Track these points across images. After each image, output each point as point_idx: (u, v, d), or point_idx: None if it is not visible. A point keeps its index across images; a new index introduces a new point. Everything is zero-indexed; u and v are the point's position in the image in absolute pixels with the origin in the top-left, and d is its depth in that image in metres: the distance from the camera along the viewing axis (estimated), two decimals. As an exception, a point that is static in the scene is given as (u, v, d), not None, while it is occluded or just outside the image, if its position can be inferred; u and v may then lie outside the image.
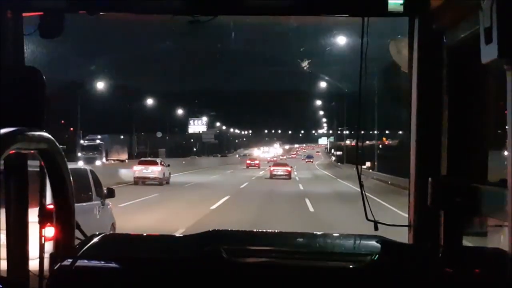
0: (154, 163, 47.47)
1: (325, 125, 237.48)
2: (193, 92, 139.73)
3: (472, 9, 2.74)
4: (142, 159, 51.91)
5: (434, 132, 3.45)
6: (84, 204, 12.97)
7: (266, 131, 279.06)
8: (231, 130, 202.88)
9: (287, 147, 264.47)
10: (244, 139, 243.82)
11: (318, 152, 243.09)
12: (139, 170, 45.94)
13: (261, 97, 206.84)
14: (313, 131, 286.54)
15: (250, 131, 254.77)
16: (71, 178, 2.76)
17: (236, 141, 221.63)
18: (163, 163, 48.80)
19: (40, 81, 2.83)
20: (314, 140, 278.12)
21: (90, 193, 13.68)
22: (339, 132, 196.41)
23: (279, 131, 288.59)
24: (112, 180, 38.36)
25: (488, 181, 3.14)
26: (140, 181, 45.16)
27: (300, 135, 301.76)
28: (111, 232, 13.91)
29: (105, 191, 14.49)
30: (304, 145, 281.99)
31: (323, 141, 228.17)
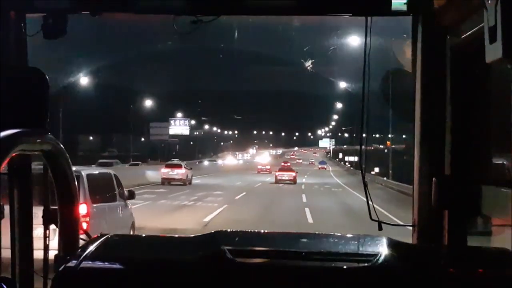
0: (179, 166, 58.76)
1: (324, 127, 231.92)
2: (178, 92, 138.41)
3: (476, 8, 2.93)
4: (168, 162, 63.18)
5: (438, 132, 3.63)
6: (109, 204, 15.44)
7: (255, 132, 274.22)
8: (213, 129, 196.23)
9: (280, 151, 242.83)
10: (231, 141, 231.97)
11: (315, 153, 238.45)
12: (166, 172, 56.63)
13: (252, 97, 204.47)
14: (309, 134, 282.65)
15: (236, 132, 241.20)
16: (75, 180, 2.93)
17: (222, 143, 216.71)
18: (186, 166, 60.37)
19: (43, 82, 2.94)
20: (310, 143, 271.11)
21: (114, 194, 16.05)
22: (339, 134, 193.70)
23: (271, 133, 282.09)
24: (141, 181, 52.17)
25: (492, 181, 3.32)
26: (166, 182, 54.97)
27: (295, 137, 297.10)
28: (132, 229, 17.04)
29: (126, 193, 17.02)
30: (297, 148, 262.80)
31: (324, 143, 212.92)
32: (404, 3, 3.70)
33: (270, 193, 47.71)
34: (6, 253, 3.26)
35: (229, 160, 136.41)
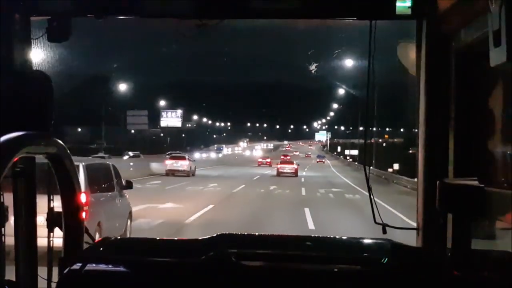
0: (183, 158, 61.18)
1: (321, 119, 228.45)
2: (173, 84, 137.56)
3: (480, 12, 2.98)
4: (173, 154, 65.96)
5: (442, 135, 3.69)
6: (107, 193, 16.54)
7: (249, 124, 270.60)
8: (207, 122, 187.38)
9: (271, 145, 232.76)
10: (224, 134, 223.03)
11: (311, 146, 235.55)
12: (170, 164, 58.69)
13: (247, 90, 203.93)
14: (304, 126, 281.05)
15: (229, 124, 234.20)
16: (80, 182, 3.02)
17: (214, 136, 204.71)
18: (190, 158, 63.24)
19: (47, 84, 3.06)
20: (305, 136, 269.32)
21: (112, 184, 17.11)
22: (336, 127, 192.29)
23: (265, 125, 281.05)
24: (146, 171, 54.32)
25: (496, 184, 3.38)
26: (171, 173, 56.85)
27: (290, 130, 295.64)
28: (129, 218, 18.13)
29: (124, 183, 18.06)
30: (286, 142, 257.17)
31: (321, 136, 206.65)
32: (409, 7, 3.75)
33: (251, 208, 29.76)
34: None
35: (211, 154, 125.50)
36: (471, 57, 3.54)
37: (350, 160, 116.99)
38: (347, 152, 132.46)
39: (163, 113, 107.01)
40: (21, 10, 3.77)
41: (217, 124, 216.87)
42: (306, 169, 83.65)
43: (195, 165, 62.21)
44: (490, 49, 2.40)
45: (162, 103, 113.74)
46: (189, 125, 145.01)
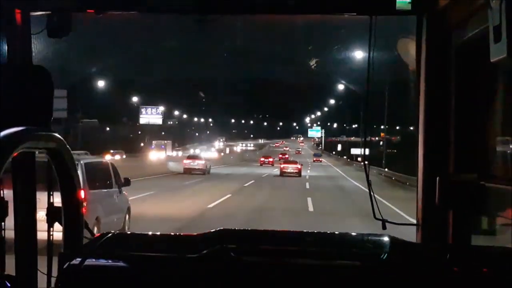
0: (199, 158, 71.37)
1: (315, 113, 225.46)
2: (151, 79, 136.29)
3: (480, 7, 3.08)
4: (190, 154, 76.24)
5: (442, 131, 3.77)
6: (106, 190, 18.20)
7: (233, 120, 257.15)
8: (189, 118, 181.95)
9: (251, 144, 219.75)
10: (208, 132, 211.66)
11: (302, 143, 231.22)
12: (187, 162, 68.13)
13: (233, 85, 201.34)
14: (295, 124, 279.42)
15: (210, 120, 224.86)
16: (79, 178, 3.10)
17: (197, 134, 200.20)
18: (205, 158, 72.73)
19: (47, 80, 3.14)
20: (295, 134, 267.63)
21: (110, 181, 18.80)
22: (328, 124, 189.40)
23: (251, 122, 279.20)
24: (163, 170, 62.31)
25: (496, 180, 3.45)
26: (188, 172, 64.88)
27: (278, 128, 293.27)
28: (127, 214, 19.76)
29: (122, 180, 19.69)
30: (263, 141, 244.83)
31: (314, 133, 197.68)
32: (409, 2, 3.85)
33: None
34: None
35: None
36: (472, 52, 3.62)
37: (362, 162, 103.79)
38: (355, 151, 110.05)
39: (143, 110, 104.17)
40: (21, 5, 3.85)
41: (200, 120, 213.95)
42: (308, 170, 76.78)
43: (210, 164, 70.67)
44: (491, 44, 2.47)
45: (141, 98, 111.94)
46: (171, 122, 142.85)
